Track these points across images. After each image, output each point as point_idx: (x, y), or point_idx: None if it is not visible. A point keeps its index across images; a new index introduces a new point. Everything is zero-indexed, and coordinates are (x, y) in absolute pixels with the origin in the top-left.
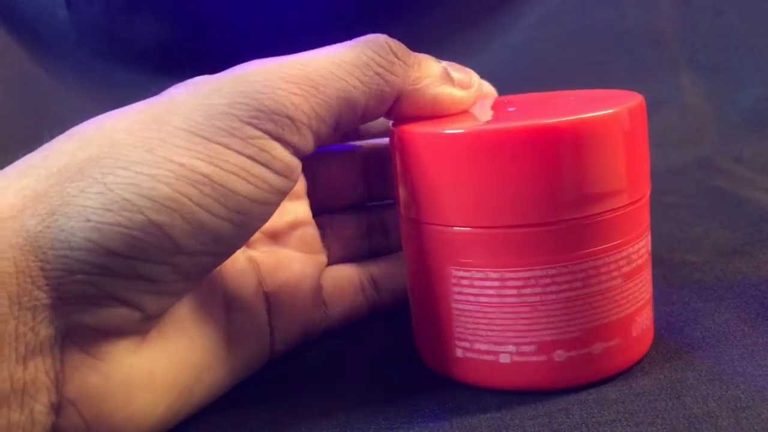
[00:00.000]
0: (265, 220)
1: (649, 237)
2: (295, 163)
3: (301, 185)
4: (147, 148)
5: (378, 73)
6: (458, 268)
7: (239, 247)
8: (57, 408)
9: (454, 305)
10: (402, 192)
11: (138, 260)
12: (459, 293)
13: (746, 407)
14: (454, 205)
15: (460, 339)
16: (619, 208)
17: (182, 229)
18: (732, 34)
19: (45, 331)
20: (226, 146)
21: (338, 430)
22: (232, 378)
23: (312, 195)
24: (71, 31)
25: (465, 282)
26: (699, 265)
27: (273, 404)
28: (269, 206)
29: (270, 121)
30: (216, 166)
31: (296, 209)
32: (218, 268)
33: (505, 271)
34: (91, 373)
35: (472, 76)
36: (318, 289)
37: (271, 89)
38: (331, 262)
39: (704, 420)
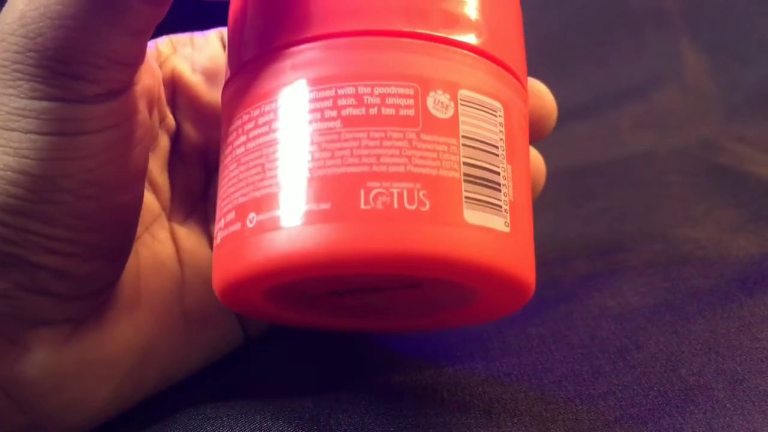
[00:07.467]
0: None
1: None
2: (115, 104)
3: None
4: None
5: None
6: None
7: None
8: None
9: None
10: None
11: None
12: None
13: (743, 380)
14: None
15: (220, 216)
16: None
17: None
18: (737, 13)
19: None
20: (22, 130)
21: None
22: (194, 358)
23: None
24: None
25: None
26: (702, 241)
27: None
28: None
29: (51, 85)
30: (23, 157)
31: None
32: (178, 243)
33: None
34: (17, 361)
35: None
36: None
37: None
38: None
39: (700, 392)
